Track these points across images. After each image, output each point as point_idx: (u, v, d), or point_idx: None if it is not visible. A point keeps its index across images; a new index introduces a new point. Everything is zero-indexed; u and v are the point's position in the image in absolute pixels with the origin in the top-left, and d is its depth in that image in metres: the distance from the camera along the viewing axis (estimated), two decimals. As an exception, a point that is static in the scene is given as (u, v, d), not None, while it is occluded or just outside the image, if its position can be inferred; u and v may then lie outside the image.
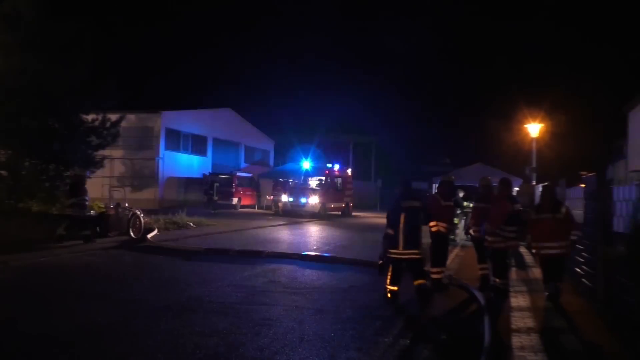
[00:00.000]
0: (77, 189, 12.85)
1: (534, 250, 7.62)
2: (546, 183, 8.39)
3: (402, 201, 7.44)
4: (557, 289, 7.23)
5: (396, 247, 7.20)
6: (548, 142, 26.15)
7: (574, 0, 60.68)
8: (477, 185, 9.54)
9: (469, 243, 12.10)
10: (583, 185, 8.26)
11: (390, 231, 7.32)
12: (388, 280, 7.29)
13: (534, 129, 22.44)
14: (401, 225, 7.18)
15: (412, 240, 7.17)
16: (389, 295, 7.29)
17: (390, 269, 7.32)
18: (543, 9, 61.66)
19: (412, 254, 7.16)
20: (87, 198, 13.07)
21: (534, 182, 20.19)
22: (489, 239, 7.93)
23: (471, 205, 11.89)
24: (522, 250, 12.34)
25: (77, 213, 12.60)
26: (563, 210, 7.36)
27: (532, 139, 22.55)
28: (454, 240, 13.80)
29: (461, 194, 14.20)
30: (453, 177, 9.54)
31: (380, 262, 7.60)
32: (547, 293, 7.38)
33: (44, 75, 14.42)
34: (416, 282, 7.19)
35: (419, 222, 7.41)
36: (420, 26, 65.81)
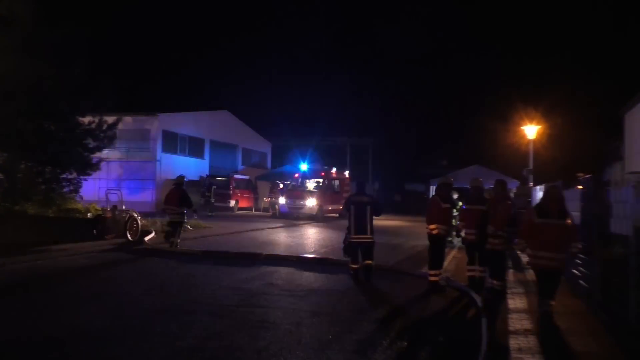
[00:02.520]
0: (187, 196, 13.10)
1: (529, 259, 6.86)
2: (553, 184, 7.44)
3: (353, 196, 9.28)
4: (549, 307, 6.35)
5: (351, 233, 8.92)
6: (545, 143, 26.20)
7: (571, 2, 61.00)
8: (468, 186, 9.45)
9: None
10: (580, 187, 8.25)
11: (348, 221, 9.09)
12: (350, 260, 9.02)
13: (530, 130, 22.52)
14: (352, 216, 8.91)
15: (362, 227, 8.85)
16: (352, 272, 8.93)
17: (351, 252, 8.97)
18: (541, 12, 61.94)
19: (363, 237, 8.85)
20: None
21: (531, 184, 20.24)
22: (493, 240, 7.75)
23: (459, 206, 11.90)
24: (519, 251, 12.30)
25: (183, 219, 12.97)
26: (569, 217, 6.46)
27: (529, 140, 22.63)
28: (451, 242, 13.80)
29: (455, 196, 14.20)
30: (451, 179, 9.54)
31: (344, 245, 9.20)
32: (542, 310, 6.47)
33: (40, 78, 14.40)
34: (366, 262, 8.79)
35: (366, 213, 8.90)
36: (418, 27, 66.01)
